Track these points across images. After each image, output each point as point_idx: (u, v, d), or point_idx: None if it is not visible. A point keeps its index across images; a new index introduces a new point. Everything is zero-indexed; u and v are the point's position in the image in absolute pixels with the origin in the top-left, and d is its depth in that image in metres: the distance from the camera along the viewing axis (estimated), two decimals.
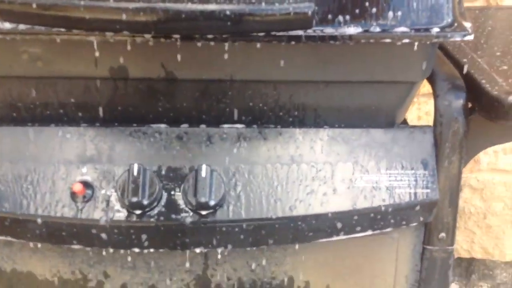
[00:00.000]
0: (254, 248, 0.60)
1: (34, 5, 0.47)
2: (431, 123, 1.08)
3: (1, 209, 0.57)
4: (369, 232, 0.59)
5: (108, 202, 0.57)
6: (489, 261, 1.25)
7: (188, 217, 0.57)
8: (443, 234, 0.61)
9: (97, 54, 0.55)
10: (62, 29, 0.50)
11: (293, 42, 0.52)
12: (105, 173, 0.58)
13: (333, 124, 0.60)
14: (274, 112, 0.60)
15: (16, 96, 0.59)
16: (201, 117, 0.60)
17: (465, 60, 0.63)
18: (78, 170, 0.58)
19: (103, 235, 0.57)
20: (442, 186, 0.60)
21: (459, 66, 0.62)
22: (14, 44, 0.54)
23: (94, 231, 0.57)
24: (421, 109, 1.12)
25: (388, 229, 0.60)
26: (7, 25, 0.52)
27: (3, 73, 0.57)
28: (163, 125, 0.60)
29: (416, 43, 0.53)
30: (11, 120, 0.60)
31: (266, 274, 0.63)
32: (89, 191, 0.57)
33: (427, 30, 0.52)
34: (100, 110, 0.60)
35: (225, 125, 0.60)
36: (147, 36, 0.52)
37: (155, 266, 0.62)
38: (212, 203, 0.56)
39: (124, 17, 0.46)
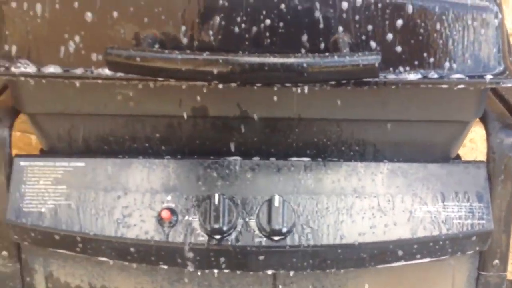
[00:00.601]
0: (319, 271, 0.66)
1: (138, 59, 0.55)
2: (475, 149, 1.12)
3: (99, 233, 0.64)
4: (427, 259, 0.64)
5: (191, 227, 0.64)
6: None
7: (262, 242, 0.63)
8: (497, 261, 0.66)
9: (182, 96, 0.63)
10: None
11: (358, 88, 0.59)
12: (187, 201, 0.65)
13: (392, 159, 0.66)
14: (337, 147, 0.66)
15: (108, 131, 0.67)
16: (271, 150, 0.67)
17: None
18: (163, 198, 0.65)
19: (186, 257, 0.64)
20: (496, 217, 0.65)
21: (508, 105, 0.67)
22: (110, 87, 0.62)
23: (178, 253, 0.64)
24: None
25: (445, 257, 0.65)
26: (107, 71, 0.60)
27: (99, 111, 0.65)
28: (237, 158, 0.67)
29: (471, 88, 0.59)
30: (103, 152, 0.68)
31: None
32: (174, 217, 0.64)
33: (481, 77, 0.58)
34: (182, 144, 0.67)
35: (293, 158, 0.67)
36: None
37: (229, 285, 0.68)
38: (284, 230, 0.62)
39: (214, 69, 0.54)
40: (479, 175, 0.64)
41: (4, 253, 0.69)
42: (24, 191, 0.66)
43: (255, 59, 0.54)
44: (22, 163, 0.67)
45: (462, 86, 0.58)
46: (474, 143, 1.19)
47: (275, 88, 0.60)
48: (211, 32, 0.58)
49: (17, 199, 0.65)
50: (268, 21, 0.57)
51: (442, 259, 0.65)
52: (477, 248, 0.65)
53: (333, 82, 0.58)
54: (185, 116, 0.64)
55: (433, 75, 0.58)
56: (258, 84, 0.58)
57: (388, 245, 0.63)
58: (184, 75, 0.55)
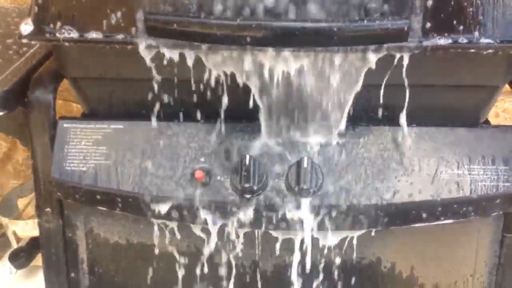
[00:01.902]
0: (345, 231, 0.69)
1: (175, 24, 0.57)
2: (508, 120, 1.12)
3: (136, 191, 0.68)
4: (452, 221, 0.66)
5: (223, 187, 0.67)
6: None
7: (290, 202, 0.66)
8: None
9: (216, 62, 0.65)
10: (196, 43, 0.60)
11: (388, 52, 0.60)
12: (220, 162, 0.68)
13: (420, 123, 0.67)
14: (366, 112, 0.68)
15: (145, 95, 0.69)
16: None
17: None
18: (198, 159, 0.68)
19: (218, 215, 0.67)
20: None
21: None
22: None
23: (210, 212, 0.67)
24: (498, 107, 1.16)
25: (470, 219, 0.66)
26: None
27: (141, 76, 0.66)
28: (269, 122, 0.69)
29: (500, 53, 0.59)
30: (141, 115, 0.70)
31: (356, 254, 0.71)
32: (207, 177, 0.67)
33: (510, 41, 0.58)
34: (215, 109, 0.69)
35: (322, 122, 0.68)
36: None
37: (258, 243, 0.72)
38: (312, 190, 0.65)
39: (248, 34, 0.56)
40: (506, 139, 0.65)
41: (48, 209, 0.74)
42: (67, 151, 0.70)
43: (286, 23, 0.56)
44: (65, 125, 0.71)
45: (490, 50, 0.59)
46: (508, 113, 1.19)
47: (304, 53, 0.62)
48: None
49: (61, 158, 0.70)
50: None
51: (467, 221, 0.66)
52: (502, 211, 0.67)
53: (363, 47, 0.60)
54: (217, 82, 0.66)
55: (463, 40, 0.59)
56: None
57: (413, 206, 0.65)
58: (219, 40, 0.58)
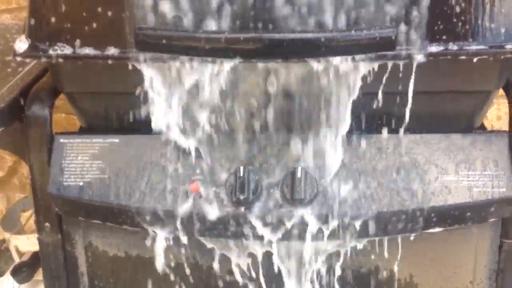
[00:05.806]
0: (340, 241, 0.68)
1: (164, 38, 0.58)
2: None
3: (132, 205, 0.68)
4: (450, 227, 0.66)
5: (218, 198, 0.67)
6: None
7: (285, 212, 0.66)
8: None
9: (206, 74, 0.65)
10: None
11: (378, 61, 0.60)
12: (215, 173, 0.68)
13: (415, 130, 0.67)
14: (360, 120, 0.68)
15: (141, 110, 0.69)
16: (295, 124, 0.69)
17: None
18: (193, 171, 0.68)
19: (215, 227, 0.67)
20: None
21: None
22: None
23: (207, 223, 0.67)
24: (500, 110, 1.15)
25: (468, 225, 0.66)
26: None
27: (135, 90, 0.65)
28: (263, 133, 0.69)
29: (491, 59, 0.59)
30: (140, 130, 0.70)
31: (354, 263, 0.71)
32: (202, 189, 0.67)
33: (501, 47, 0.58)
34: (211, 123, 0.69)
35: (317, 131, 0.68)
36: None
37: (255, 254, 0.71)
38: (307, 200, 0.65)
39: (237, 46, 0.56)
40: (501, 144, 0.65)
41: (47, 224, 0.74)
42: (64, 166, 0.70)
43: (275, 35, 0.56)
44: (62, 140, 0.71)
45: (483, 56, 0.58)
46: None
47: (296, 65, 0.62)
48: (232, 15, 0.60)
49: (58, 173, 0.70)
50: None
51: (465, 227, 0.66)
52: (499, 216, 0.66)
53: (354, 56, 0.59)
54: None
55: (453, 46, 0.59)
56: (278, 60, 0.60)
57: (409, 213, 0.65)
58: (208, 53, 0.58)
